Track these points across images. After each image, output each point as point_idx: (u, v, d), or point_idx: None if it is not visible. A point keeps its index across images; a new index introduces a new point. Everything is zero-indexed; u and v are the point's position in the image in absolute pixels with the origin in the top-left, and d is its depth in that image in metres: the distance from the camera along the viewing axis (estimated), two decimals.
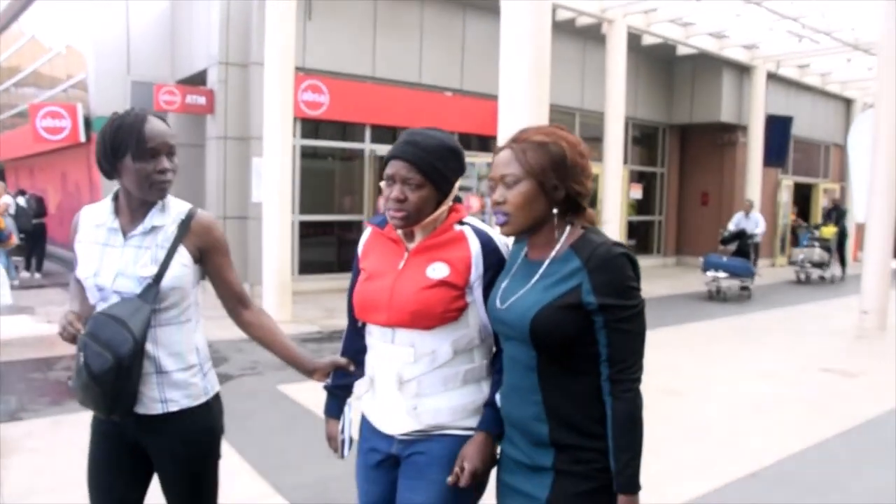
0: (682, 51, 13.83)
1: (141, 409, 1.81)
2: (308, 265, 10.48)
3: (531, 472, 1.55)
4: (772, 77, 15.06)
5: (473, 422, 1.70)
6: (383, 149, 11.00)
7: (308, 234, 10.59)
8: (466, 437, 1.68)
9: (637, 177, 15.44)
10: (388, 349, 1.73)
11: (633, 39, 12.13)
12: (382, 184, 1.71)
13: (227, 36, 9.62)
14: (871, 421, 4.83)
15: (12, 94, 18.84)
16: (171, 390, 1.83)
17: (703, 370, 6.19)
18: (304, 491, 3.45)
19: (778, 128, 15.00)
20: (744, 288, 11.00)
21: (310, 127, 10.55)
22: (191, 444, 1.87)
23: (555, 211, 1.54)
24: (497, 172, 1.56)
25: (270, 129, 8.04)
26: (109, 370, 1.70)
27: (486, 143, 11.80)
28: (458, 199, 1.80)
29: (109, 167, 1.80)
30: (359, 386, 1.83)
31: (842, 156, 18.43)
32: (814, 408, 5.14)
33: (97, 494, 1.92)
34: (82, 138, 11.50)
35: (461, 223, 1.74)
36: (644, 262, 14.00)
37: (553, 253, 1.54)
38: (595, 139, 12.12)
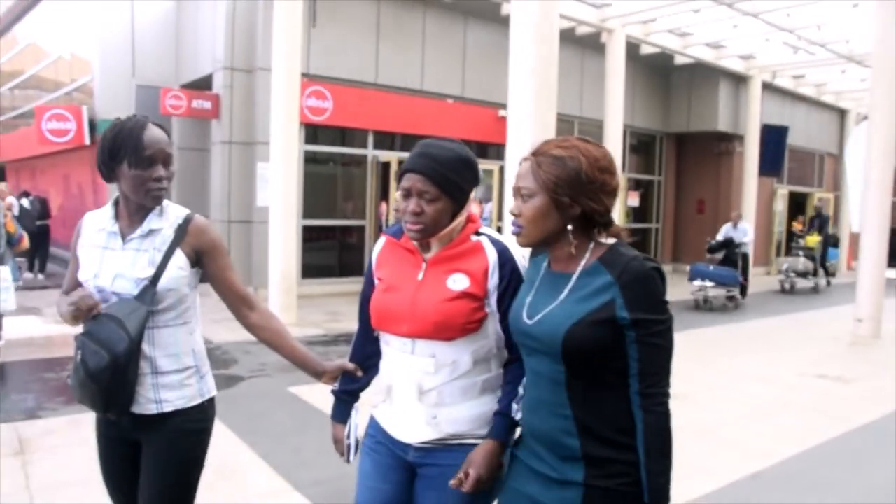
0: (679, 60, 14.00)
1: (137, 409, 1.85)
2: (311, 269, 10.55)
3: (557, 485, 1.52)
4: (768, 87, 15.22)
5: None
6: (386, 154, 11.13)
7: (311, 239, 10.66)
8: None
9: (634, 185, 15.58)
10: (407, 359, 1.73)
11: (632, 49, 12.30)
12: (397, 195, 1.73)
13: (233, 41, 9.71)
14: (869, 425, 4.95)
15: (16, 96, 18.88)
16: (166, 391, 1.87)
17: (701, 375, 6.29)
18: (320, 487, 3.53)
19: (773, 137, 15.12)
20: (730, 298, 10.93)
21: (313, 132, 10.64)
22: (179, 444, 1.90)
23: (569, 227, 1.51)
24: (516, 183, 1.57)
25: (276, 134, 8.11)
26: (105, 368, 1.74)
27: (485, 149, 12.00)
28: None
29: (108, 171, 1.84)
30: (375, 395, 1.84)
31: (836, 165, 18.63)
32: (812, 412, 5.26)
33: (113, 493, 2.01)
34: (87, 141, 11.58)
35: (478, 233, 1.75)
36: None
37: (580, 267, 1.52)
38: None
